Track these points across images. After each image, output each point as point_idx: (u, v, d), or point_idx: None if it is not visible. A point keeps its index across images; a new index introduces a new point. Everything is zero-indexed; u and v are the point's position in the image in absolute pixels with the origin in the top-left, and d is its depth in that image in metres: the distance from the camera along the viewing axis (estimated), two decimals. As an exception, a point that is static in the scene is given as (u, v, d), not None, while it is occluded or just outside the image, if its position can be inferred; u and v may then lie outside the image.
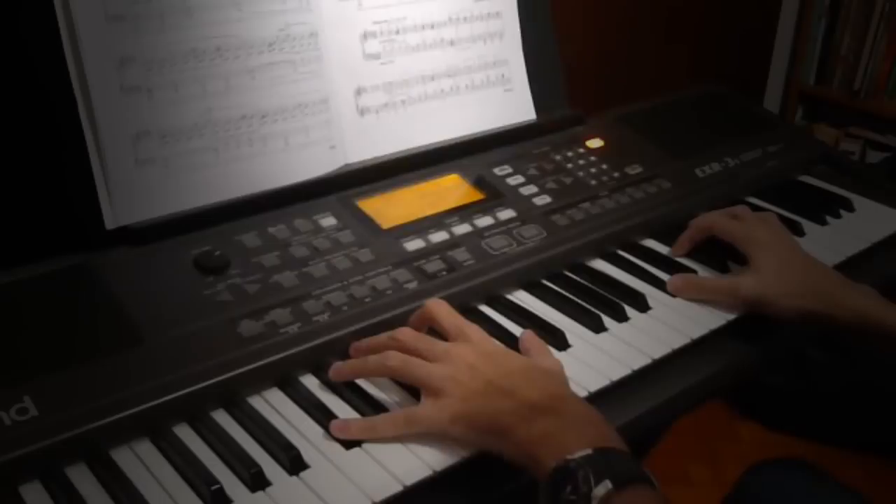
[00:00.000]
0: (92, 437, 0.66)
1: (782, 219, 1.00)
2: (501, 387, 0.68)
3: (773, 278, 0.87)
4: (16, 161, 0.83)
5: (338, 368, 0.75)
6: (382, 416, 0.71)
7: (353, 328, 0.79)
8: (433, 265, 0.87)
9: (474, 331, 0.76)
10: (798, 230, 1.04)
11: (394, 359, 0.73)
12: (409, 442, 0.69)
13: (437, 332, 0.78)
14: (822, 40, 2.48)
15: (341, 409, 0.73)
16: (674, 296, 0.90)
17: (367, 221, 0.91)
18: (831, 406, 1.93)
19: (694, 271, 0.94)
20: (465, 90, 1.07)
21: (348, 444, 0.69)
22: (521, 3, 1.11)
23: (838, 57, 2.46)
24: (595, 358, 0.80)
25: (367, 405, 0.73)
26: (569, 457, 0.61)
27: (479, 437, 0.68)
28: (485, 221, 0.95)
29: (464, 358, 0.72)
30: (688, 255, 0.98)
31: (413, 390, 0.74)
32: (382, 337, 0.77)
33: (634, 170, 1.08)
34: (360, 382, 0.76)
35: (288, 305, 0.79)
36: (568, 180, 1.04)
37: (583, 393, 0.75)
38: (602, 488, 0.59)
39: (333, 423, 0.70)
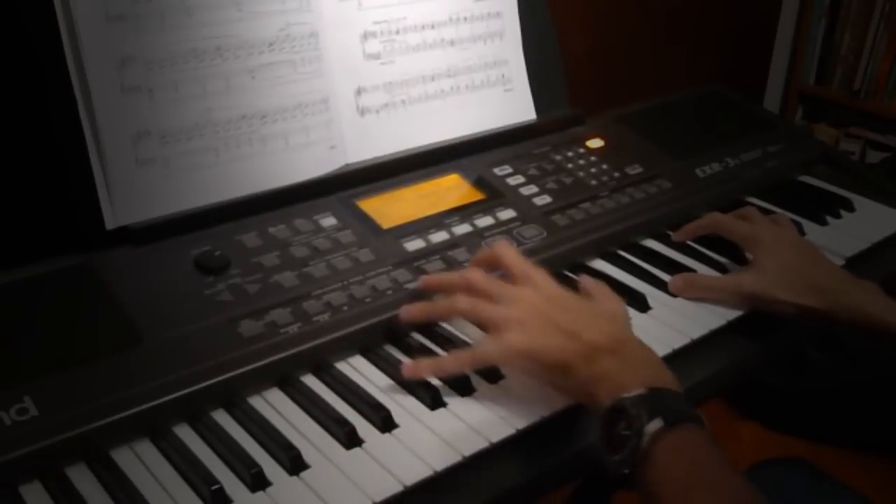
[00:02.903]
0: (92, 437, 0.66)
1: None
2: (566, 328, 0.72)
3: (774, 276, 0.87)
4: (16, 161, 0.83)
5: (408, 310, 0.79)
6: (449, 354, 0.75)
7: (353, 328, 0.79)
8: (433, 265, 0.87)
9: (540, 275, 0.78)
10: (798, 230, 1.04)
11: (462, 301, 0.77)
12: (409, 442, 0.69)
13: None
14: (822, 40, 2.48)
15: (347, 413, 0.73)
16: (675, 296, 0.90)
17: (367, 221, 0.91)
18: (831, 406, 1.93)
19: (694, 271, 0.94)
20: (465, 90, 1.07)
21: (349, 445, 0.69)
22: (521, 3, 1.11)
23: (838, 57, 2.46)
24: (595, 358, 0.80)
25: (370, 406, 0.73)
26: (624, 395, 0.65)
27: (542, 371, 0.73)
28: (485, 221, 0.95)
29: (530, 300, 0.75)
30: (689, 255, 0.98)
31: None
32: (454, 276, 0.81)
33: (634, 170, 1.08)
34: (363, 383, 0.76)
35: (288, 305, 0.79)
36: (568, 180, 1.04)
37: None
38: (654, 425, 0.63)
39: (405, 366, 0.74)
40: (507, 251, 0.81)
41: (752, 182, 1.14)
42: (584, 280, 0.82)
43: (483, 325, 0.77)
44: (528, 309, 0.74)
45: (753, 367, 0.88)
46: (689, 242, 1.00)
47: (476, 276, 0.79)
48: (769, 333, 0.88)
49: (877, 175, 1.38)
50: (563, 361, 0.71)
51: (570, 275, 0.93)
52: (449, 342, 0.81)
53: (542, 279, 0.78)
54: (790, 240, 0.93)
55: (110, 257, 0.80)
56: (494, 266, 0.81)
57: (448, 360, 0.75)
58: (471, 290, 0.78)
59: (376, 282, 0.84)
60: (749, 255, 0.92)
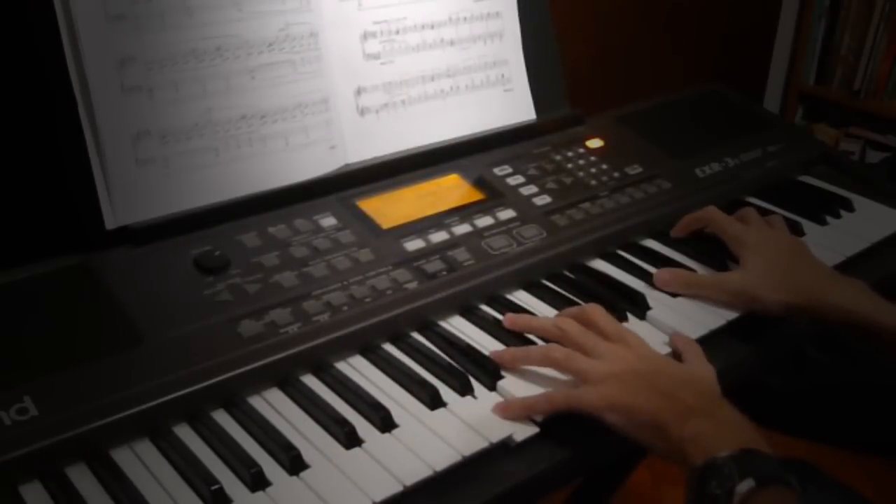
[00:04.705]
0: (92, 437, 0.66)
1: (782, 219, 1.00)
2: (662, 389, 0.72)
3: (759, 275, 0.88)
4: (16, 161, 0.83)
5: (499, 356, 0.78)
6: (543, 394, 0.74)
7: (353, 328, 0.79)
8: (433, 265, 0.87)
9: (634, 336, 0.79)
10: (798, 230, 1.04)
11: (558, 351, 0.77)
12: (409, 442, 0.69)
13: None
14: (822, 40, 2.48)
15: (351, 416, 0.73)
16: (670, 295, 0.90)
17: (367, 221, 0.91)
18: (831, 406, 1.92)
19: (694, 271, 0.94)
20: (465, 90, 1.07)
21: (348, 444, 0.69)
22: (521, 3, 1.11)
23: (838, 57, 2.46)
24: (595, 358, 0.80)
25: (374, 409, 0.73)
26: (717, 455, 0.65)
27: (634, 428, 0.72)
28: (485, 221, 0.95)
29: (624, 358, 0.75)
30: (689, 255, 0.98)
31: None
32: (546, 322, 0.81)
33: (634, 170, 1.08)
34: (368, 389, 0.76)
35: (288, 305, 0.79)
36: (568, 180, 1.04)
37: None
38: (745, 485, 0.63)
39: (497, 405, 0.73)
40: (598, 312, 0.81)
41: (752, 182, 1.14)
42: (676, 340, 0.82)
43: (576, 376, 0.75)
44: (625, 366, 0.74)
45: (753, 367, 0.88)
46: (689, 242, 1.00)
47: (572, 327, 0.79)
48: (769, 334, 0.88)
49: (877, 175, 1.38)
50: (660, 421, 0.70)
51: (571, 275, 0.93)
52: (447, 341, 0.81)
53: (636, 340, 0.78)
54: (778, 240, 0.94)
55: (110, 257, 0.80)
56: (585, 324, 0.80)
57: (541, 401, 0.73)
58: (565, 340, 0.78)
59: (376, 282, 0.84)
60: (737, 256, 0.93)
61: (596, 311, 0.81)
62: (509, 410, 0.73)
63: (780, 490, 0.64)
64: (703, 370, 0.78)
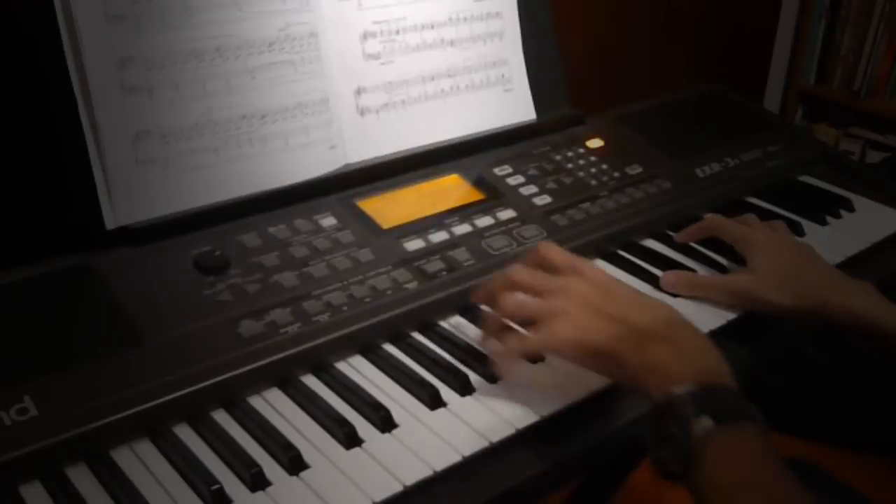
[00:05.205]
0: (92, 437, 0.66)
1: (783, 219, 1.01)
2: (613, 314, 0.70)
3: (764, 276, 0.88)
4: (16, 161, 0.83)
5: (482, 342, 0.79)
6: (498, 346, 0.74)
7: (353, 328, 0.79)
8: (433, 265, 0.87)
9: (587, 264, 0.77)
10: (798, 230, 1.04)
11: (508, 303, 0.76)
12: (409, 442, 0.69)
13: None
14: (822, 40, 2.48)
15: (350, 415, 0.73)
16: (666, 292, 0.90)
17: (367, 221, 0.91)
18: (831, 406, 1.93)
19: (694, 271, 0.94)
20: (465, 90, 1.07)
21: (348, 444, 0.69)
22: (521, 3, 1.11)
23: (838, 57, 2.46)
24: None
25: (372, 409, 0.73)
26: (672, 391, 0.63)
27: (590, 360, 0.71)
28: (485, 221, 0.95)
29: (576, 289, 0.73)
30: (690, 256, 0.98)
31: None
32: (498, 280, 0.78)
33: (634, 170, 1.08)
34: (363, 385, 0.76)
35: (288, 305, 0.79)
36: (568, 180, 1.04)
37: (584, 393, 0.75)
38: (703, 424, 0.61)
39: (494, 366, 0.75)
40: (549, 247, 0.79)
41: (752, 182, 1.14)
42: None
43: (532, 321, 0.74)
44: (574, 298, 0.72)
45: (753, 367, 0.88)
46: (690, 243, 1.00)
47: (520, 274, 0.77)
48: (769, 334, 0.88)
49: (877, 175, 1.38)
50: (612, 349, 0.69)
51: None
52: (447, 341, 0.81)
53: (589, 268, 0.76)
54: (783, 242, 0.93)
55: (110, 257, 0.80)
56: (538, 264, 0.79)
57: (499, 357, 0.74)
58: (516, 287, 0.76)
59: (376, 282, 0.84)
60: (744, 257, 0.93)
61: (546, 248, 0.79)
62: (501, 370, 0.74)
63: (741, 428, 0.62)
64: (661, 302, 0.76)
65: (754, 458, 0.61)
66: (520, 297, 0.76)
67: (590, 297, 0.72)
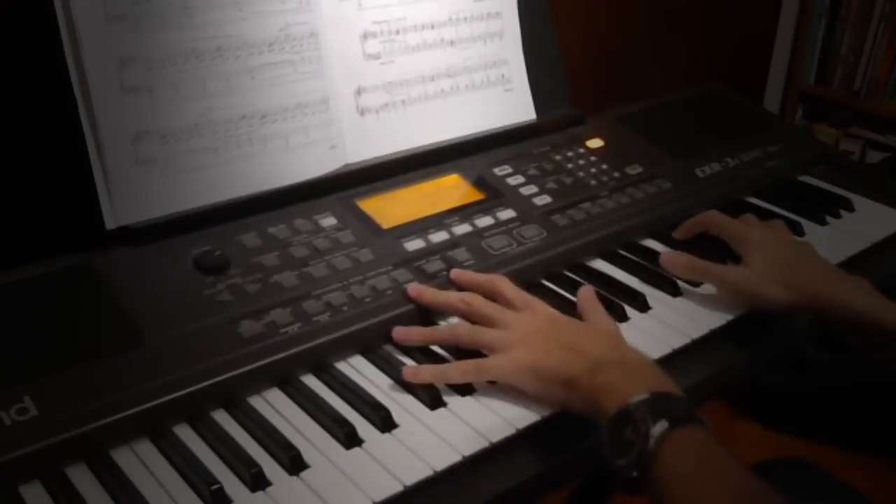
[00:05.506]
0: (92, 437, 0.66)
1: (782, 219, 1.01)
2: (566, 343, 0.75)
3: (761, 271, 0.88)
4: (16, 161, 0.83)
5: (405, 333, 0.80)
6: (453, 363, 0.77)
7: (353, 328, 0.79)
8: (433, 265, 0.87)
9: (538, 302, 0.81)
10: (798, 230, 1.04)
11: (462, 329, 0.79)
12: (409, 442, 0.69)
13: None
14: (822, 40, 2.48)
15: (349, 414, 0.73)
16: (666, 271, 0.91)
17: (367, 221, 0.91)
18: (831, 406, 1.93)
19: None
20: (465, 90, 1.07)
21: (348, 444, 0.69)
22: (521, 3, 1.11)
23: (838, 57, 2.46)
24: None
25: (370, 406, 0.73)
26: (629, 401, 0.66)
27: (546, 387, 0.73)
28: (485, 221, 0.95)
29: (530, 323, 0.78)
30: (689, 250, 0.98)
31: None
32: (452, 297, 0.82)
33: (634, 170, 1.08)
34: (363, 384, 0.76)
35: (288, 305, 0.79)
36: (568, 180, 1.04)
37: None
38: (659, 426, 0.64)
39: (406, 369, 0.75)
40: (504, 283, 0.83)
41: (752, 182, 1.14)
42: (582, 295, 0.84)
43: (484, 349, 0.77)
44: (531, 330, 0.77)
45: (753, 366, 0.88)
46: (689, 242, 1.00)
47: (477, 301, 0.81)
48: (769, 333, 0.88)
49: (877, 175, 1.38)
50: (569, 374, 0.72)
51: (571, 275, 0.93)
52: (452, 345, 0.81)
53: (540, 306, 0.81)
54: (780, 239, 0.94)
55: (110, 257, 0.80)
56: (490, 296, 0.82)
57: (452, 370, 0.76)
58: (471, 312, 0.80)
59: (376, 282, 0.84)
60: (739, 254, 0.93)
61: (501, 283, 0.83)
62: (418, 374, 0.75)
63: (693, 428, 0.65)
64: (605, 324, 0.81)
65: (709, 453, 0.65)
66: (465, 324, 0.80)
67: (544, 329, 0.77)
